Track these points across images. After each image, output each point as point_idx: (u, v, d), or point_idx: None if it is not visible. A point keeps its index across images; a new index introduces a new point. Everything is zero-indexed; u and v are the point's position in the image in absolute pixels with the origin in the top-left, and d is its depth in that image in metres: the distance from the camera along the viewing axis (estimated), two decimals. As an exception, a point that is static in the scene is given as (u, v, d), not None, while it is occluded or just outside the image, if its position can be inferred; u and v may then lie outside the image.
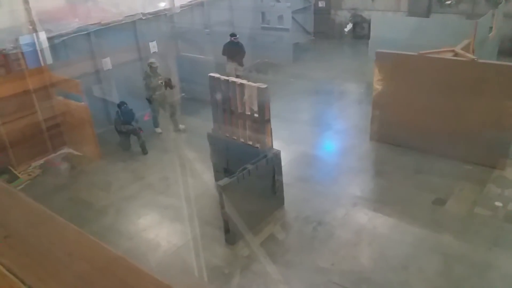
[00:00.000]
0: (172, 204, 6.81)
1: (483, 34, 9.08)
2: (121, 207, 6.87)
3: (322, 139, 8.76)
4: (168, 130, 9.36)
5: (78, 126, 8.34)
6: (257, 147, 6.26)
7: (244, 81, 6.25)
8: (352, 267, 5.31)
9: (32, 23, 8.11)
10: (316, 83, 11.35)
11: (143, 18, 9.96)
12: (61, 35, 8.47)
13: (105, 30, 9.17)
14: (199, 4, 11.63)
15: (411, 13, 13.03)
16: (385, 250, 5.55)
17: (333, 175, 7.37)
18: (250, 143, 6.38)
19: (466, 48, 7.79)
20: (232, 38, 10.57)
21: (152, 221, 6.51)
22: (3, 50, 7.75)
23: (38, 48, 8.17)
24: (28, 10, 8.05)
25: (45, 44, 8.19)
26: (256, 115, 6.10)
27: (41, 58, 8.24)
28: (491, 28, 9.70)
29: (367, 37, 10.66)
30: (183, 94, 10.95)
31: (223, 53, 10.71)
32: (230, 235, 5.76)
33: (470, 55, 7.35)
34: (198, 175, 7.44)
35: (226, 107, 6.46)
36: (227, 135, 6.67)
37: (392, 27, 10.06)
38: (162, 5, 10.69)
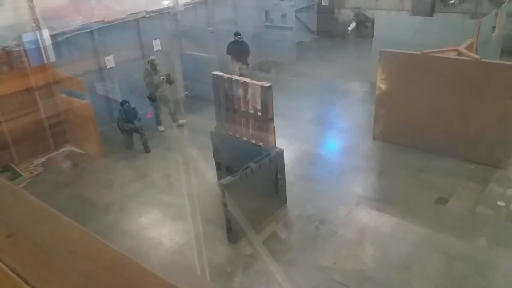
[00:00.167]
0: (175, 202, 6.82)
1: (486, 34, 9.05)
2: (124, 205, 6.87)
3: (325, 137, 8.75)
4: (171, 128, 9.37)
5: (80, 124, 8.34)
6: (260, 146, 6.25)
7: (247, 80, 6.24)
8: (354, 266, 5.30)
9: (35, 20, 8.12)
10: (320, 81, 11.33)
11: (147, 16, 9.95)
12: (64, 33, 8.48)
13: (108, 28, 9.17)
14: (203, 2, 11.62)
15: (415, 12, 13.00)
16: (388, 249, 5.54)
17: (336, 174, 7.36)
18: (253, 141, 6.37)
19: (469, 48, 7.77)
20: (236, 37, 10.53)
21: (154, 219, 6.52)
22: (6, 48, 7.76)
23: (41, 46, 8.19)
24: (31, 7, 8.06)
25: (48, 41, 8.21)
26: (259, 113, 6.09)
27: (44, 56, 8.26)
28: (494, 27, 9.67)
29: (371, 36, 10.63)
30: (186, 92, 10.96)
31: (228, 53, 10.67)
32: (233, 233, 5.76)
33: (474, 55, 7.32)
34: (201, 173, 7.44)
35: (229, 105, 6.45)
36: (230, 133, 6.66)
37: (395, 26, 10.03)
38: (166, 3, 10.69)
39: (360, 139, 8.28)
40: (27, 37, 8.02)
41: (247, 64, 10.73)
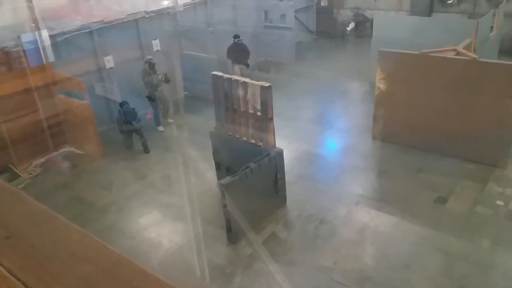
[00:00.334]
0: (174, 203, 6.81)
1: (484, 34, 9.07)
2: (123, 206, 6.86)
3: (324, 137, 8.75)
4: (171, 129, 9.37)
5: (80, 124, 8.33)
6: (260, 146, 6.25)
7: (247, 80, 6.24)
8: (354, 266, 5.30)
9: (34, 20, 8.10)
10: (319, 81, 11.33)
11: (146, 16, 9.94)
12: (63, 33, 8.46)
13: (107, 28, 9.16)
14: (202, 2, 11.61)
15: (413, 12, 13.01)
16: (387, 249, 5.54)
17: (335, 174, 7.36)
18: (253, 141, 6.36)
19: (467, 47, 7.77)
20: (236, 40, 10.49)
21: (154, 220, 6.51)
22: (5, 48, 7.74)
23: (40, 46, 8.17)
24: (30, 7, 8.05)
25: (47, 42, 8.19)
26: (259, 113, 6.08)
27: (43, 56, 8.24)
28: (492, 27, 9.69)
29: (370, 36, 10.63)
30: (186, 93, 10.95)
31: (228, 57, 10.61)
32: (232, 234, 5.75)
33: (472, 54, 7.33)
34: (200, 173, 7.43)
35: (229, 105, 6.44)
36: (230, 133, 6.65)
37: (394, 26, 10.05)
38: (165, 3, 10.68)
39: (359, 138, 8.28)
40: (26, 37, 8.00)
41: (248, 65, 10.71)
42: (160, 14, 10.37)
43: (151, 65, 8.72)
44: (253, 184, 5.83)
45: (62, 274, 1.02)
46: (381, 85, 7.75)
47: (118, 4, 9.73)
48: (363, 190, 6.81)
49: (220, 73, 6.45)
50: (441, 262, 5.26)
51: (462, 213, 6.11)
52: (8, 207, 1.34)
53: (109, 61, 9.28)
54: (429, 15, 12.94)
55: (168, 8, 10.60)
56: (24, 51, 7.94)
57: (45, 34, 8.15)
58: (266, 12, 13.33)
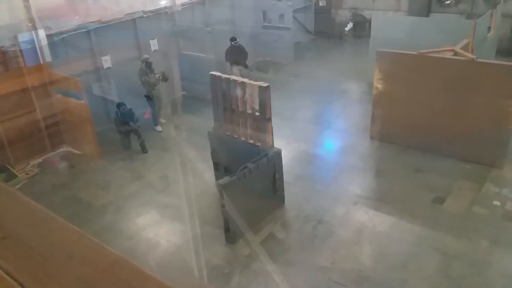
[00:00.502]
0: (172, 203, 6.80)
1: (482, 34, 9.09)
2: (121, 206, 6.85)
3: (322, 137, 8.75)
4: (169, 129, 9.35)
5: (77, 124, 8.30)
6: (258, 146, 6.24)
7: (245, 80, 6.23)
8: (352, 266, 5.30)
9: (31, 20, 8.07)
10: (317, 82, 11.34)
11: (144, 16, 9.93)
12: (60, 33, 8.43)
13: (105, 28, 9.14)
14: (200, 2, 11.60)
15: (411, 12, 13.04)
16: (385, 249, 5.55)
17: (333, 174, 7.36)
18: (251, 141, 6.36)
19: (465, 48, 7.79)
20: (233, 42, 10.43)
21: (151, 220, 6.50)
22: (2, 48, 7.71)
23: (37, 46, 8.13)
24: (27, 7, 8.01)
25: (44, 41, 8.16)
26: (257, 113, 6.08)
27: (40, 56, 8.21)
28: (489, 28, 9.71)
29: (368, 36, 10.65)
30: (184, 93, 10.94)
31: (226, 59, 10.53)
32: (230, 234, 5.74)
33: (470, 55, 7.35)
34: (199, 173, 7.42)
35: (227, 105, 6.44)
36: (228, 133, 6.65)
37: (392, 26, 10.06)
38: (163, 3, 10.66)
39: (357, 139, 8.29)
40: (23, 37, 7.97)
41: (247, 66, 10.69)
42: (158, 13, 10.35)
43: (148, 64, 8.70)
44: (251, 184, 5.83)
45: (59, 275, 1.01)
46: (379, 85, 7.76)
47: (115, 3, 9.70)
48: (361, 190, 6.82)
49: (218, 73, 6.44)
50: (439, 262, 5.27)
51: (459, 213, 6.12)
52: (5, 207, 1.33)
53: (106, 61, 9.26)
54: (427, 16, 12.97)
55: (166, 7, 10.58)
56: (21, 50, 7.91)
57: (42, 33, 8.11)
58: (264, 12, 13.33)
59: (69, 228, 1.15)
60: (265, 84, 5.89)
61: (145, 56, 8.91)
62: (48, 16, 8.41)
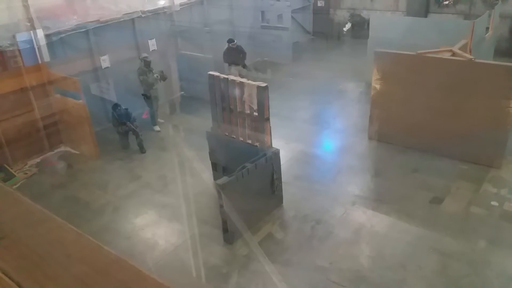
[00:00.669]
0: (170, 203, 6.79)
1: (480, 34, 9.12)
2: (119, 206, 6.84)
3: (321, 137, 8.76)
4: (167, 129, 9.34)
5: (75, 124, 8.29)
6: (256, 146, 6.25)
7: (243, 80, 6.23)
8: (350, 266, 5.31)
9: (30, 20, 8.05)
10: (315, 82, 11.35)
11: (143, 16, 9.92)
12: (59, 33, 8.42)
13: (103, 28, 9.13)
14: (199, 2, 11.60)
15: (409, 13, 13.06)
16: (383, 249, 5.56)
17: (331, 174, 7.37)
18: (249, 141, 6.36)
19: (463, 48, 7.81)
20: (231, 44, 10.42)
21: (149, 220, 6.49)
22: (0, 47, 7.69)
23: (35, 45, 8.12)
24: (26, 7, 7.99)
25: (43, 41, 8.14)
26: (255, 113, 6.08)
27: (38, 56, 8.19)
28: (487, 28, 9.74)
29: (366, 36, 10.66)
30: (182, 92, 10.93)
31: (224, 60, 10.51)
32: (229, 234, 5.74)
33: (468, 55, 7.37)
34: (197, 173, 7.42)
35: (226, 105, 6.44)
36: (226, 133, 6.65)
37: (390, 27, 10.08)
38: (162, 3, 10.65)
39: (355, 139, 8.30)
40: (21, 36, 7.95)
41: (245, 66, 10.68)
42: (156, 13, 10.34)
43: (146, 63, 8.69)
44: (249, 184, 5.83)
45: (57, 275, 1.01)
46: (377, 85, 7.77)
47: (114, 3, 9.69)
48: (359, 190, 6.83)
49: (216, 73, 6.44)
50: (437, 262, 5.28)
51: (457, 214, 6.14)
52: (2, 207, 1.33)
53: (105, 61, 9.25)
54: (425, 16, 12.99)
55: (164, 7, 10.58)
56: (19, 50, 7.89)
57: (40, 33, 8.10)
58: (263, 12, 13.34)
59: (67, 228, 1.15)
60: (263, 84, 5.90)
61: (144, 54, 8.90)
62: (47, 16, 8.39)
